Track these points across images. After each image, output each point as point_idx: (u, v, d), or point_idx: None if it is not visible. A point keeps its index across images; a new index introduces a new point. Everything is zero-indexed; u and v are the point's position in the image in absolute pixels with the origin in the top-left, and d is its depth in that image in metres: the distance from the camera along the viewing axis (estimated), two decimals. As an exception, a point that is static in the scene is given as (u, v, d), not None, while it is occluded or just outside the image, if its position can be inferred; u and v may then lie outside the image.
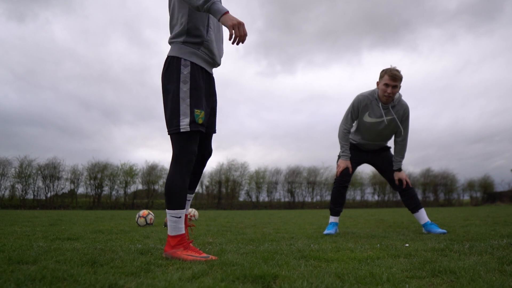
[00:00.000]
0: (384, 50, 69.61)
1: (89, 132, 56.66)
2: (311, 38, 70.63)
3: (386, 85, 3.51)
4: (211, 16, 2.18)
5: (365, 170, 40.33)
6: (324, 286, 1.34)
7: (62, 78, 58.23)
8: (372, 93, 3.70)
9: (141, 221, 5.10)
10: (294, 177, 38.50)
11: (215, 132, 2.41)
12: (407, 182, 3.81)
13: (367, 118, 3.69)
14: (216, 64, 2.31)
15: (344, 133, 3.78)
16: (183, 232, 2.10)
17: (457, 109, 67.05)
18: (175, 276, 1.51)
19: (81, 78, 59.29)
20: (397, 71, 3.51)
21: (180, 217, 2.08)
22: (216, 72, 2.41)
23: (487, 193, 39.89)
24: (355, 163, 3.90)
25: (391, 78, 3.48)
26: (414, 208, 3.77)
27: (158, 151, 58.69)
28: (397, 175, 3.82)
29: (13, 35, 54.61)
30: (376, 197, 39.24)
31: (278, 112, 67.23)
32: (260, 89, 70.03)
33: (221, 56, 2.35)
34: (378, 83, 3.64)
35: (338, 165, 3.83)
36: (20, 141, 50.74)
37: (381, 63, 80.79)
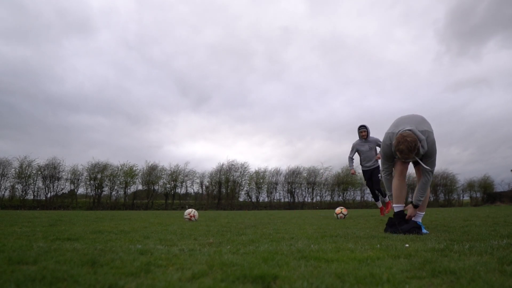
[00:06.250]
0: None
1: (156, 123, 55.48)
2: None
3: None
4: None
5: (365, 170, 40.18)
6: (324, 287, 1.34)
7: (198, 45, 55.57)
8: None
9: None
10: (294, 177, 38.47)
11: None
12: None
13: None
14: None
15: None
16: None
17: None
18: (175, 276, 1.51)
19: (222, 46, 56.52)
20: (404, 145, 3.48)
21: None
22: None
23: (487, 193, 39.85)
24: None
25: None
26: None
27: (215, 145, 56.72)
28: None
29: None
30: (376, 198, 39.17)
31: (387, 96, 62.31)
32: (400, 67, 65.04)
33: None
34: None
35: None
36: (72, 136, 49.69)
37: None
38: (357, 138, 7.97)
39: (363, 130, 7.76)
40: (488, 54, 62.64)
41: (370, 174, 7.94)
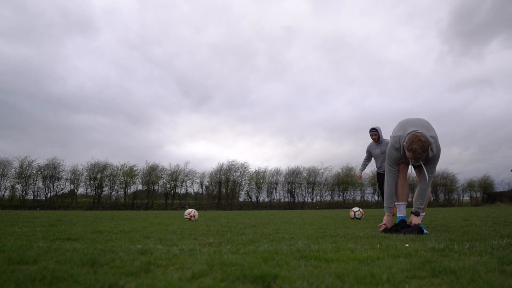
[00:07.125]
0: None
1: (157, 123, 55.75)
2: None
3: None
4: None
5: (365, 170, 40.15)
6: (324, 286, 1.34)
7: (201, 43, 56.14)
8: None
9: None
10: (294, 177, 38.47)
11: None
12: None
13: None
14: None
15: None
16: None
17: None
18: (175, 276, 1.51)
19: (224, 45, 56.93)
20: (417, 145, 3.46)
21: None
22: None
23: (487, 193, 39.84)
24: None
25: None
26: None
27: (215, 145, 57.16)
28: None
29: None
30: (376, 197, 39.20)
31: (389, 96, 62.77)
32: (402, 67, 65.41)
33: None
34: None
35: None
36: (72, 135, 49.72)
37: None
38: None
39: (374, 133, 7.51)
40: (490, 54, 62.69)
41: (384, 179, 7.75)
